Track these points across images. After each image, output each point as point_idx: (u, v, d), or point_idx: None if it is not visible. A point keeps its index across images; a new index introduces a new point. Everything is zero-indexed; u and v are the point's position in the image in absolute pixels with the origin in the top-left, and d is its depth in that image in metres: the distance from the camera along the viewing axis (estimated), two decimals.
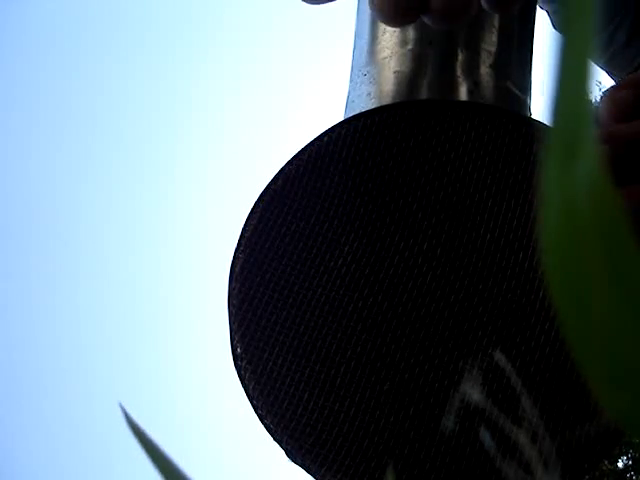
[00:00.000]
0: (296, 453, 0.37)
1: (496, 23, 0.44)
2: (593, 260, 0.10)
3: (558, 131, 0.09)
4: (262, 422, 0.38)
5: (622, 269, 0.10)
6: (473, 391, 0.36)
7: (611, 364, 0.10)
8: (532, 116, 0.43)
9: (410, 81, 0.43)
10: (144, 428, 0.17)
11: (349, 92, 0.45)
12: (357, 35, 0.46)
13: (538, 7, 0.53)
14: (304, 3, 0.37)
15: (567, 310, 0.10)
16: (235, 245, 0.40)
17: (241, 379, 0.39)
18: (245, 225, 0.41)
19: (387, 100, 0.43)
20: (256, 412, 0.38)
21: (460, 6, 0.36)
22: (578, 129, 0.09)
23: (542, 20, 0.57)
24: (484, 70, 0.43)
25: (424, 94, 0.43)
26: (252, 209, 0.41)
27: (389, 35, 0.44)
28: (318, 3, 0.38)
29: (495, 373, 0.37)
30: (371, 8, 0.37)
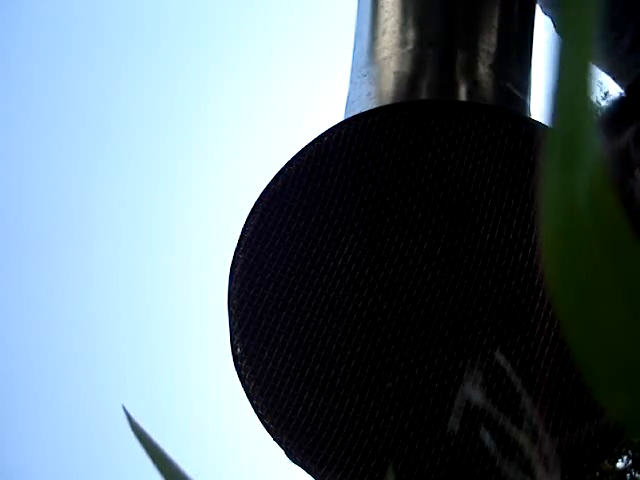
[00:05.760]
0: (296, 453, 0.37)
1: (496, 23, 0.44)
2: (593, 260, 0.10)
3: (559, 133, 0.09)
4: (262, 422, 0.38)
5: (621, 269, 0.10)
6: (473, 391, 0.36)
7: (611, 364, 0.10)
8: (532, 116, 0.43)
9: (410, 81, 0.43)
10: (145, 429, 0.17)
11: (349, 92, 0.45)
12: (357, 36, 0.46)
13: (541, 12, 0.53)
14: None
15: (567, 310, 0.10)
16: (235, 245, 0.40)
17: (241, 379, 0.39)
18: (245, 225, 0.41)
19: (387, 100, 0.43)
20: (256, 412, 0.38)
21: None
22: (579, 131, 0.09)
23: (542, 21, 0.57)
24: (484, 70, 0.43)
25: (424, 94, 0.43)
26: (252, 209, 0.41)
27: (389, 36, 0.44)
28: None
29: (495, 373, 0.37)
30: None
